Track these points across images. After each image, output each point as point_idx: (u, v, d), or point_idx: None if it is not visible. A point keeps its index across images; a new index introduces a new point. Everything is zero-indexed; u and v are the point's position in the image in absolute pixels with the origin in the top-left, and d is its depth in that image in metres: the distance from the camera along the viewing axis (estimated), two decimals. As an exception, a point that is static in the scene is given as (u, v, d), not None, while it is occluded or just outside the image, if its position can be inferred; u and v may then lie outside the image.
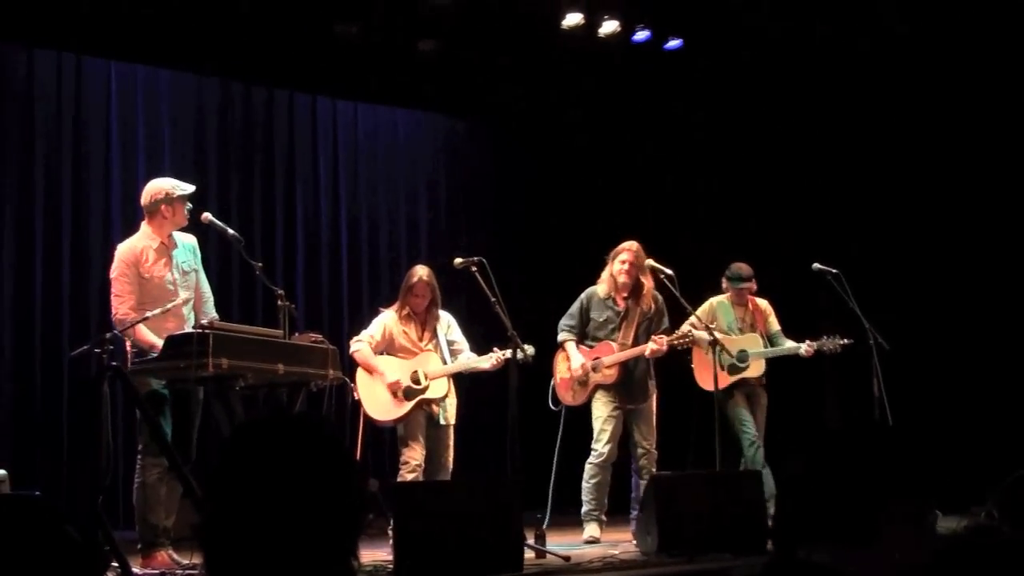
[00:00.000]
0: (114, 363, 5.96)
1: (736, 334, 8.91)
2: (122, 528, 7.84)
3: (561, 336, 8.46)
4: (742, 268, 9.04)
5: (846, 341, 8.70)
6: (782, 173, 11.22)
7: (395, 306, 8.12)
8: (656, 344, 8.06)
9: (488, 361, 7.89)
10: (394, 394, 7.84)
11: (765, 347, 8.93)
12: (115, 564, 5.35)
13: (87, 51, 10.02)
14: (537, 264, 12.17)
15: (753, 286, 9.05)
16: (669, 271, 8.11)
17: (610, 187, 12.26)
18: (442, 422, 7.95)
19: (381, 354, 8.02)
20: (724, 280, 9.11)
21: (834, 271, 8.54)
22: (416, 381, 7.89)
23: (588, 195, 12.41)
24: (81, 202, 9.95)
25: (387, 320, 8.09)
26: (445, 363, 7.98)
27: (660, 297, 8.32)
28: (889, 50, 10.51)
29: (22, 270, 9.58)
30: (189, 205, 6.97)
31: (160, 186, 6.99)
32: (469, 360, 8.01)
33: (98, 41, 9.83)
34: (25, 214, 9.65)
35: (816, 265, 8.66)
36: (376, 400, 7.86)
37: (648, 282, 8.26)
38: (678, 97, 11.77)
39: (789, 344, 8.91)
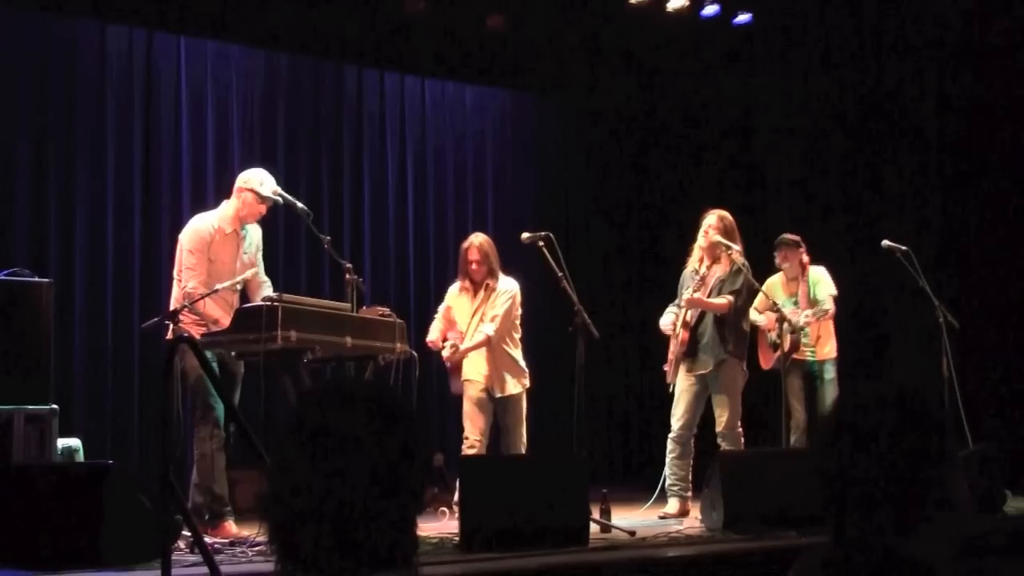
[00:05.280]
0: (186, 334, 6.03)
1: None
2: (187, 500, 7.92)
3: None
4: (785, 235, 8.95)
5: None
6: (852, 149, 11.08)
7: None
8: None
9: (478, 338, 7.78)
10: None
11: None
12: (186, 532, 5.41)
13: (158, 27, 10.08)
14: (605, 240, 12.15)
15: (802, 254, 8.89)
16: (736, 246, 7.96)
17: (678, 163, 12.20)
18: (497, 394, 7.80)
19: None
20: (776, 252, 8.95)
21: (903, 248, 8.35)
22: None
23: (656, 170, 12.36)
24: (151, 178, 10.01)
25: (448, 296, 8.07)
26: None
27: (742, 260, 7.93)
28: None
29: (94, 244, 9.68)
30: (263, 211, 6.97)
31: (256, 176, 6.96)
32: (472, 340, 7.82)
33: (169, 17, 9.90)
34: (98, 189, 9.73)
35: (886, 243, 8.48)
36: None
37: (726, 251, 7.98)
38: (746, 72, 11.67)
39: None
